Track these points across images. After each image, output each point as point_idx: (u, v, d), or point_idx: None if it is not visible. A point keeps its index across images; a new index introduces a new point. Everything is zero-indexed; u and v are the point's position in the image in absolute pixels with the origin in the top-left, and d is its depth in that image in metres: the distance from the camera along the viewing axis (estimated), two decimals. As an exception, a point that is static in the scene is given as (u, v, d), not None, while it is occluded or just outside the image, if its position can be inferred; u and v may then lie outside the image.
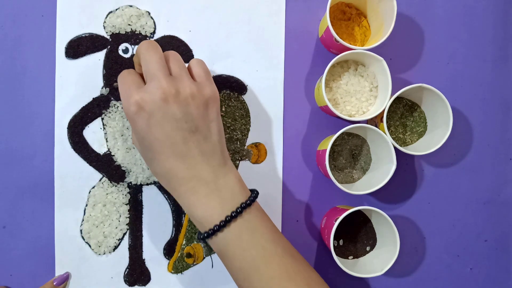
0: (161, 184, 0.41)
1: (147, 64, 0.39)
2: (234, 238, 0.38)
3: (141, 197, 0.50)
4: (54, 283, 0.48)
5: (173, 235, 0.50)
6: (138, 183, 0.50)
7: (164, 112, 0.37)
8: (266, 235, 0.39)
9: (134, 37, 0.50)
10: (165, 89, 0.37)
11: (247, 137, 0.51)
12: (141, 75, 0.41)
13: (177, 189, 0.39)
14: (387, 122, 0.48)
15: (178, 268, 0.50)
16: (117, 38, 0.50)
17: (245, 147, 0.51)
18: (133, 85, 0.39)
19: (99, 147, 0.50)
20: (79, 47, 0.49)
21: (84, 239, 0.50)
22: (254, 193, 0.40)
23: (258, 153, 0.51)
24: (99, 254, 0.50)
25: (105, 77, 0.50)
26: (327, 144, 0.46)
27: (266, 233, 0.39)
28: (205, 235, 0.38)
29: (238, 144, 0.51)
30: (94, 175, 0.50)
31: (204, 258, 0.51)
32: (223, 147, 0.41)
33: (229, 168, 0.40)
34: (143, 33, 0.50)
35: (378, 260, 0.47)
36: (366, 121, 0.50)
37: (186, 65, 0.42)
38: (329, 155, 0.47)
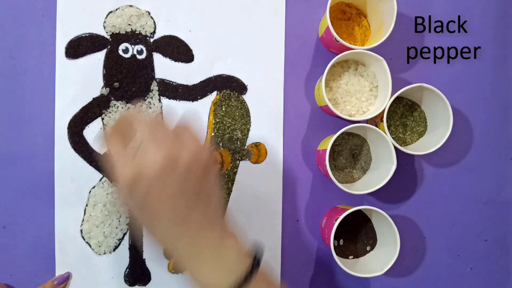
0: (165, 251, 0.38)
1: (139, 131, 0.36)
2: None
3: (141, 197, 0.50)
4: (55, 283, 0.48)
5: (173, 235, 0.50)
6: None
7: (163, 185, 0.34)
8: None
9: (134, 37, 0.50)
10: (162, 159, 0.34)
11: (247, 137, 0.51)
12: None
13: (183, 257, 0.37)
14: (387, 122, 0.48)
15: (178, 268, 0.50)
16: (117, 38, 0.50)
17: (245, 147, 0.51)
18: (126, 157, 0.35)
19: (99, 147, 0.50)
20: (79, 47, 0.49)
21: (84, 239, 0.50)
22: (256, 261, 0.38)
23: (258, 153, 0.51)
24: (100, 254, 0.50)
25: (105, 77, 0.50)
26: (327, 144, 0.46)
27: None
28: None
29: (238, 144, 0.51)
30: (94, 175, 0.50)
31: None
32: (223, 210, 0.39)
33: (229, 234, 0.38)
34: (143, 33, 0.50)
35: (378, 260, 0.47)
36: (366, 121, 0.50)
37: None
38: (329, 155, 0.47)
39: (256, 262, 0.38)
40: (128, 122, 0.37)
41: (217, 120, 0.51)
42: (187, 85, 0.50)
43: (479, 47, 0.53)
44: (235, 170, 0.51)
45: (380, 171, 0.47)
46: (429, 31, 0.52)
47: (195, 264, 0.37)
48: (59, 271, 0.49)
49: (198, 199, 0.36)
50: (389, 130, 0.49)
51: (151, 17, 0.50)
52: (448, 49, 0.53)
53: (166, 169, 0.34)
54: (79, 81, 0.49)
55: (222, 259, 0.37)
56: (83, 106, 0.50)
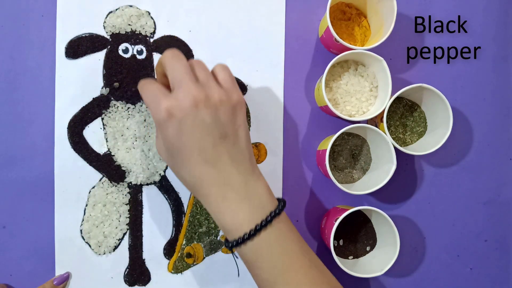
0: (190, 191, 0.40)
1: (174, 71, 0.38)
2: (264, 247, 0.37)
3: (141, 197, 0.50)
4: (54, 283, 0.48)
5: (173, 235, 0.50)
6: (138, 183, 0.50)
7: (194, 118, 0.36)
8: (294, 246, 0.38)
9: (134, 37, 0.50)
10: (195, 95, 0.36)
11: (247, 137, 0.51)
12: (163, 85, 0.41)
13: (207, 196, 0.38)
14: (387, 122, 0.48)
15: (178, 268, 0.50)
16: (117, 38, 0.50)
17: (245, 147, 0.51)
18: (160, 92, 0.38)
19: (99, 147, 0.50)
20: (79, 47, 0.49)
21: (84, 239, 0.50)
22: (282, 202, 0.40)
23: (258, 153, 0.51)
24: (99, 254, 0.50)
25: (105, 77, 0.50)
26: (327, 144, 0.46)
27: (295, 244, 0.38)
28: (234, 243, 0.37)
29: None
30: (94, 175, 0.50)
31: (204, 258, 0.51)
32: (250, 153, 0.40)
33: (257, 175, 0.40)
34: (143, 33, 0.50)
35: (378, 260, 0.47)
36: (366, 121, 0.50)
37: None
38: (329, 155, 0.47)
39: (282, 204, 0.39)
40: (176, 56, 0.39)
41: (217, 120, 0.51)
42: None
43: (479, 47, 0.53)
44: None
45: (380, 171, 0.47)
46: (429, 31, 0.52)
47: (222, 204, 0.38)
48: (59, 271, 0.49)
49: (227, 138, 0.38)
50: (389, 130, 0.49)
51: (151, 17, 0.50)
52: (448, 49, 0.53)
53: (197, 105, 0.36)
54: (79, 81, 0.49)
55: (248, 199, 0.38)
56: (83, 106, 0.50)
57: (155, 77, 0.44)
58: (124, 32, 0.50)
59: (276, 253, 0.37)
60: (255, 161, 0.41)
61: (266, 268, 0.38)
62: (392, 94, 0.46)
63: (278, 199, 0.41)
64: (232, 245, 0.38)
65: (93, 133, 0.50)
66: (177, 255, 0.50)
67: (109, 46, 0.50)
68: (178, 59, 0.39)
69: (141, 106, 0.50)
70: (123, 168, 0.50)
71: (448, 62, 0.53)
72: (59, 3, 0.49)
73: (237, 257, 0.51)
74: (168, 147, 0.38)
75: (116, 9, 0.50)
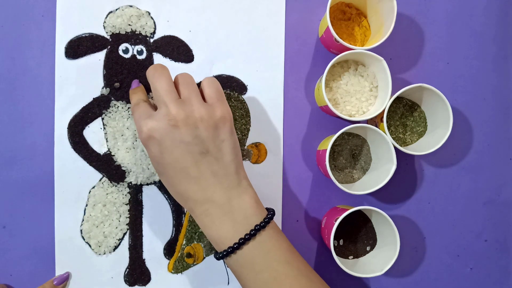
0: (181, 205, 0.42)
1: (156, 90, 0.40)
2: (247, 260, 0.38)
3: (141, 197, 0.50)
4: (54, 283, 0.48)
5: (173, 235, 0.50)
6: (138, 183, 0.50)
7: (173, 137, 0.38)
8: (280, 257, 0.39)
9: (134, 37, 0.50)
10: (174, 114, 0.38)
11: (247, 137, 0.51)
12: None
13: (193, 211, 0.40)
14: (387, 122, 0.48)
15: (178, 268, 0.50)
16: (117, 38, 0.50)
17: (245, 147, 0.51)
18: (144, 114, 0.40)
19: (99, 147, 0.50)
20: (79, 47, 0.49)
21: (84, 239, 0.50)
22: (269, 214, 0.40)
23: (258, 153, 0.51)
24: (99, 254, 0.50)
25: (105, 77, 0.50)
26: (327, 144, 0.46)
27: (280, 254, 0.39)
28: (220, 255, 0.39)
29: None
30: (94, 175, 0.50)
31: (204, 258, 0.51)
32: (237, 166, 0.41)
33: (243, 188, 0.40)
34: (143, 33, 0.50)
35: (378, 260, 0.47)
36: (366, 121, 0.50)
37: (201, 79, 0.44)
38: (329, 155, 0.47)
39: (269, 216, 0.40)
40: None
41: (217, 120, 0.51)
42: (187, 85, 0.50)
43: (479, 47, 0.53)
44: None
45: (380, 171, 0.47)
46: (429, 31, 0.52)
47: (206, 218, 0.39)
48: (59, 271, 0.49)
49: (208, 154, 0.39)
50: (389, 130, 0.49)
51: (151, 17, 0.50)
52: (448, 49, 0.52)
53: (176, 124, 0.38)
54: (79, 81, 0.49)
55: (232, 214, 0.39)
56: (83, 106, 0.50)
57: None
58: (124, 32, 0.50)
59: (260, 265, 0.38)
60: (244, 172, 0.42)
61: (251, 279, 0.38)
62: (392, 94, 0.46)
63: (268, 209, 0.41)
64: (218, 257, 0.39)
65: (93, 133, 0.50)
66: (177, 255, 0.50)
67: (109, 46, 0.50)
68: (160, 76, 0.40)
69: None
70: (123, 168, 0.50)
71: (448, 62, 0.53)
72: (59, 3, 0.49)
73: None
74: (154, 166, 0.40)
75: (116, 9, 0.50)
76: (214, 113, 0.40)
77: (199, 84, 0.50)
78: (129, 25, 0.50)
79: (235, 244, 0.38)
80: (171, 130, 0.38)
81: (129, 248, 0.50)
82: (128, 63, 0.50)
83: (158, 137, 0.38)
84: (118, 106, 0.50)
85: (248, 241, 0.38)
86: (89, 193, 0.50)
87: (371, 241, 0.50)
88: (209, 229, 0.39)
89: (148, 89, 0.49)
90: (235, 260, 0.38)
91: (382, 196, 0.52)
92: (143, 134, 0.39)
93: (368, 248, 0.50)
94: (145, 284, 0.50)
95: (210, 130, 0.39)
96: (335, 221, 0.45)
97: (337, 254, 0.46)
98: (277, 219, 0.51)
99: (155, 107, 0.42)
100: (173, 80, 0.42)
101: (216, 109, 0.40)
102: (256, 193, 0.41)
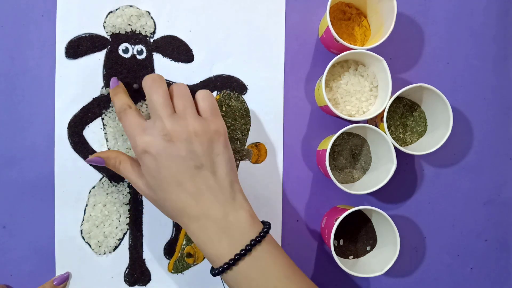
0: (173, 220, 0.42)
1: (151, 102, 0.40)
2: (244, 277, 0.37)
3: (141, 197, 0.50)
4: (54, 283, 0.48)
5: (173, 235, 0.50)
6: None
7: (169, 153, 0.38)
8: (278, 273, 0.38)
9: (134, 37, 0.50)
10: (169, 130, 0.38)
11: (247, 137, 0.51)
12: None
13: (189, 227, 0.39)
14: (387, 122, 0.48)
15: (178, 268, 0.50)
16: (117, 38, 0.50)
17: (245, 147, 0.51)
18: (137, 126, 0.40)
19: (99, 147, 0.50)
20: (79, 47, 0.49)
21: (84, 239, 0.50)
22: (265, 228, 0.40)
23: (258, 153, 0.51)
24: (99, 254, 0.50)
25: (105, 77, 0.50)
26: (327, 144, 0.46)
27: (279, 270, 0.38)
28: (216, 272, 0.38)
29: (238, 144, 0.51)
30: (94, 175, 0.50)
31: (204, 258, 0.51)
32: (232, 179, 0.40)
33: (239, 203, 0.40)
34: (143, 33, 0.50)
35: (378, 260, 0.47)
36: (366, 121, 0.50)
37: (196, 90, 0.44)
38: (329, 155, 0.47)
39: (265, 230, 0.39)
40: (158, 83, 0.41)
41: (217, 120, 0.51)
42: (187, 85, 0.50)
43: (479, 47, 0.53)
44: (235, 170, 0.51)
45: (380, 171, 0.47)
46: (429, 31, 0.52)
47: (202, 234, 0.39)
48: (59, 271, 0.49)
49: (203, 168, 0.39)
50: (389, 130, 0.49)
51: (151, 17, 0.50)
52: (448, 49, 0.53)
53: (172, 140, 0.38)
54: (79, 81, 0.49)
55: (228, 229, 0.38)
56: (83, 106, 0.50)
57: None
58: (124, 32, 0.50)
59: (258, 281, 0.37)
60: (239, 186, 0.41)
61: None
62: (392, 94, 0.46)
63: (263, 223, 0.41)
64: (214, 273, 0.39)
65: (93, 133, 0.50)
66: (177, 255, 0.50)
67: (109, 46, 0.50)
68: (158, 89, 0.40)
69: (141, 106, 0.50)
70: (123, 168, 0.50)
71: (448, 62, 0.53)
72: (59, 3, 0.49)
73: None
74: (149, 181, 0.40)
75: (116, 9, 0.50)
76: (209, 127, 0.40)
77: (195, 88, 0.50)
78: (129, 25, 0.50)
79: (230, 260, 0.37)
80: (166, 145, 0.38)
81: (129, 248, 0.50)
82: (128, 63, 0.50)
83: (154, 152, 0.38)
84: (118, 106, 0.50)
85: (244, 257, 0.37)
86: (89, 193, 0.50)
87: (371, 241, 0.50)
88: (204, 245, 0.39)
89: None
90: (232, 276, 0.38)
91: (382, 196, 0.52)
92: (138, 148, 0.39)
93: (368, 248, 0.50)
94: (145, 284, 0.50)
95: (205, 144, 0.39)
96: (335, 221, 0.45)
97: (337, 254, 0.46)
98: (277, 219, 0.51)
99: (142, 115, 0.42)
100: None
101: (210, 124, 0.40)
102: (251, 207, 0.41)
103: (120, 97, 0.44)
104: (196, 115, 0.41)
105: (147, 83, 0.41)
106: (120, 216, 0.50)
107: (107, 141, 0.50)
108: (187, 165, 0.38)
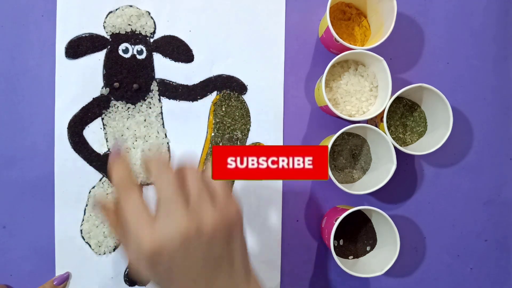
0: None
1: (161, 188, 0.33)
2: None
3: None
4: (54, 283, 0.48)
5: (173, 235, 0.50)
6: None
7: (185, 256, 0.31)
8: None
9: (134, 37, 0.50)
10: (185, 226, 0.31)
11: (247, 137, 0.51)
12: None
13: None
14: (387, 122, 0.48)
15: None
16: (117, 38, 0.50)
17: (245, 147, 0.51)
18: (144, 217, 0.32)
19: (99, 147, 0.50)
20: (79, 47, 0.49)
21: (84, 239, 0.50)
22: None
23: (258, 153, 0.51)
24: (99, 254, 0.50)
25: (105, 77, 0.50)
26: (327, 144, 0.46)
27: None
28: None
29: (238, 144, 0.51)
30: (94, 175, 0.50)
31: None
32: (247, 263, 0.36)
33: (253, 285, 0.35)
34: (143, 33, 0.50)
35: (378, 260, 0.47)
36: (366, 121, 0.50)
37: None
38: (329, 155, 0.47)
39: None
40: (148, 168, 0.34)
41: (217, 120, 0.51)
42: (187, 85, 0.50)
43: (479, 47, 0.53)
44: (235, 170, 0.51)
45: (380, 171, 0.47)
46: (429, 31, 0.52)
47: None
48: (59, 271, 0.49)
49: (221, 266, 0.33)
50: (389, 130, 0.49)
51: (151, 17, 0.50)
52: (448, 49, 0.52)
53: (189, 239, 0.31)
54: (79, 81, 0.49)
55: None
56: (83, 106, 0.50)
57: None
58: (124, 32, 0.50)
59: None
60: (250, 264, 0.36)
61: None
62: (392, 94, 0.46)
63: None
64: None
65: (93, 133, 0.50)
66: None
67: (109, 46, 0.50)
68: (165, 174, 0.33)
69: (141, 106, 0.50)
70: (123, 168, 0.50)
71: (448, 62, 0.53)
72: (59, 3, 0.49)
73: None
74: (157, 281, 0.33)
75: (116, 9, 0.50)
76: (228, 215, 0.33)
77: (195, 88, 0.50)
78: (129, 25, 0.50)
79: None
80: (182, 246, 0.31)
81: (129, 248, 0.50)
82: (128, 63, 0.50)
83: (167, 255, 0.31)
84: (118, 106, 0.50)
85: None
86: (89, 193, 0.50)
87: (371, 241, 0.50)
88: None
89: (148, 88, 0.49)
90: None
91: (382, 196, 0.52)
92: (146, 247, 0.30)
93: (368, 248, 0.50)
94: (144, 284, 0.50)
95: (225, 238, 0.33)
96: (335, 221, 0.45)
97: (337, 254, 0.46)
98: (277, 219, 0.51)
99: (145, 201, 0.33)
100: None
101: (229, 210, 0.34)
102: (258, 280, 0.37)
103: (124, 177, 0.34)
104: (213, 203, 0.33)
105: (154, 167, 0.34)
106: (120, 216, 0.50)
107: (107, 141, 0.50)
108: (206, 266, 0.33)
